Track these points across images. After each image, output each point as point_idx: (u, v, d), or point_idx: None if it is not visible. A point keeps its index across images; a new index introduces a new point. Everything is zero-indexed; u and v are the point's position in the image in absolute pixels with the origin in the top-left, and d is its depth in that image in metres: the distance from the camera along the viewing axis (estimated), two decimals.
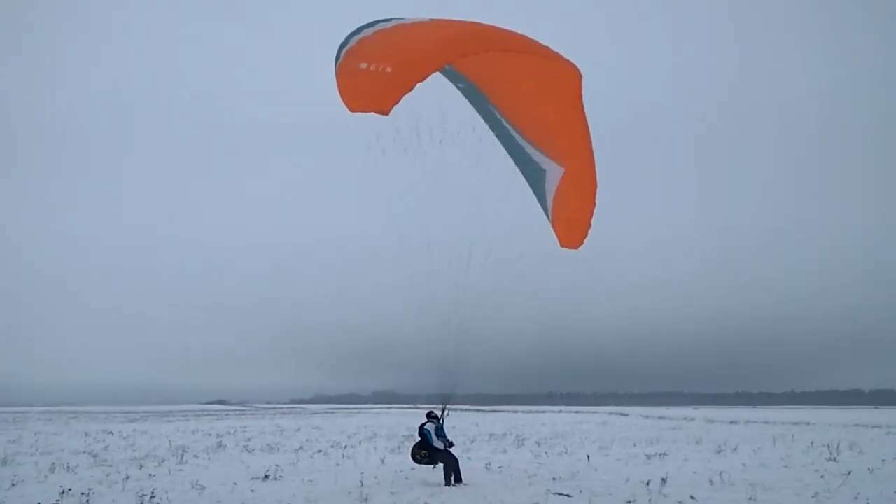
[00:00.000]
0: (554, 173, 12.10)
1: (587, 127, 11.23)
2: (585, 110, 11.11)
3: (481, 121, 12.15)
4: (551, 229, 12.97)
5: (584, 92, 11.05)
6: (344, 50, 9.85)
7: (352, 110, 9.23)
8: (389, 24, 10.22)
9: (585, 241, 12.72)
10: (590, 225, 12.37)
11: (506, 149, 12.42)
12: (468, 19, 10.48)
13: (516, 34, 10.47)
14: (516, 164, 12.52)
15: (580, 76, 10.86)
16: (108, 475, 15.68)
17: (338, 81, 9.51)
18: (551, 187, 12.34)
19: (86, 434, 34.00)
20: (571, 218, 12.45)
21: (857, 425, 41.63)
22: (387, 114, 9.06)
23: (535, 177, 12.53)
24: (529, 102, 11.35)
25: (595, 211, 12.23)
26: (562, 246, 12.99)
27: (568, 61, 10.72)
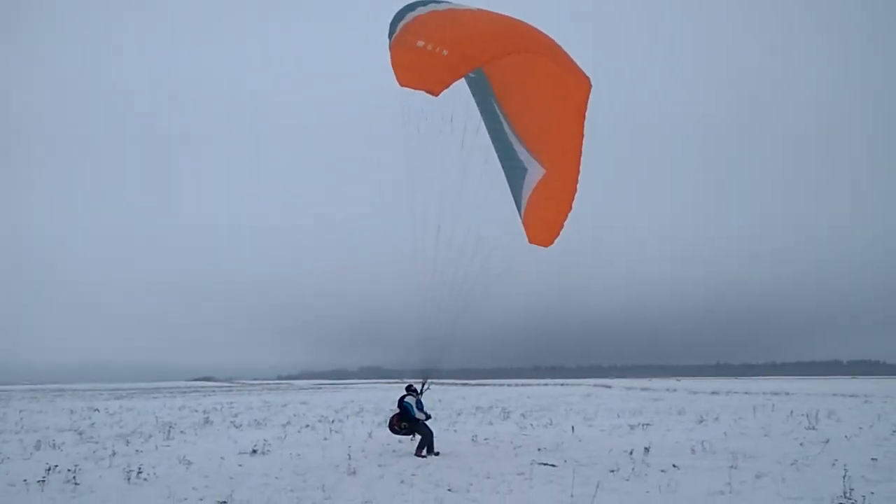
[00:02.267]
0: (534, 174, 12.46)
1: (581, 137, 11.47)
2: (586, 120, 11.38)
3: (476, 111, 12.36)
4: (521, 225, 13.32)
5: (594, 96, 11.27)
6: (400, 24, 10.06)
7: (402, 84, 9.43)
8: (442, 7, 10.52)
9: (556, 240, 13.14)
10: (562, 226, 12.78)
11: (493, 142, 12.77)
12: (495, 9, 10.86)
13: (544, 35, 10.83)
14: (500, 158, 12.87)
15: (589, 87, 11.18)
16: (94, 452, 15.66)
17: (392, 53, 9.70)
18: (529, 186, 12.71)
19: (71, 411, 33.91)
20: (546, 218, 12.82)
21: (835, 395, 42.47)
22: (437, 95, 9.39)
23: (514, 174, 12.87)
24: (532, 103, 11.67)
25: (570, 214, 12.61)
26: (531, 242, 13.37)
27: (581, 71, 11.07)
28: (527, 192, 12.80)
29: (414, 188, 11.80)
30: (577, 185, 12.11)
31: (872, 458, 12.76)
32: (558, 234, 12.95)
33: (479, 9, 10.82)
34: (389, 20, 10.46)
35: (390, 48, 9.83)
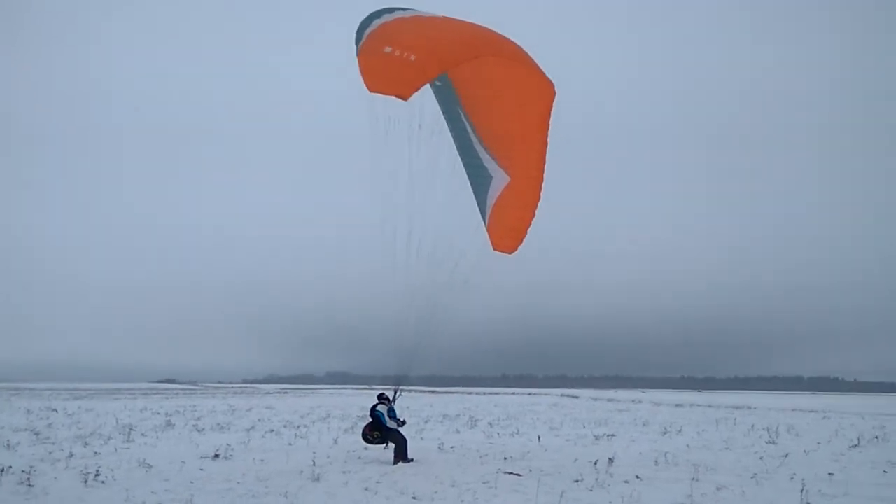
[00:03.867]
0: (499, 181, 12.57)
1: (545, 143, 11.64)
2: (550, 126, 11.54)
3: (442, 119, 12.45)
4: (485, 232, 13.40)
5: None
6: (366, 31, 10.13)
7: (371, 90, 9.55)
8: (408, 14, 10.66)
9: (519, 247, 13.24)
10: (526, 233, 12.91)
11: (459, 150, 12.85)
12: (472, 17, 11.10)
13: (510, 41, 10.97)
14: (465, 165, 12.94)
15: (554, 93, 11.33)
16: (50, 453, 15.25)
17: (360, 60, 9.78)
18: (494, 193, 12.81)
19: (28, 411, 32.98)
20: (510, 225, 12.94)
21: (795, 410, 43.41)
22: (406, 99, 9.54)
23: (479, 181, 12.97)
24: (497, 111, 11.77)
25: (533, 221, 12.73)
26: (495, 249, 13.48)
27: (546, 77, 11.20)
28: (492, 200, 12.88)
29: (382, 195, 11.83)
30: (541, 193, 12.23)
31: (829, 473, 13.05)
32: (522, 241, 13.04)
33: (444, 16, 10.94)
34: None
35: (357, 55, 9.88)
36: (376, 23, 10.26)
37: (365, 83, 9.55)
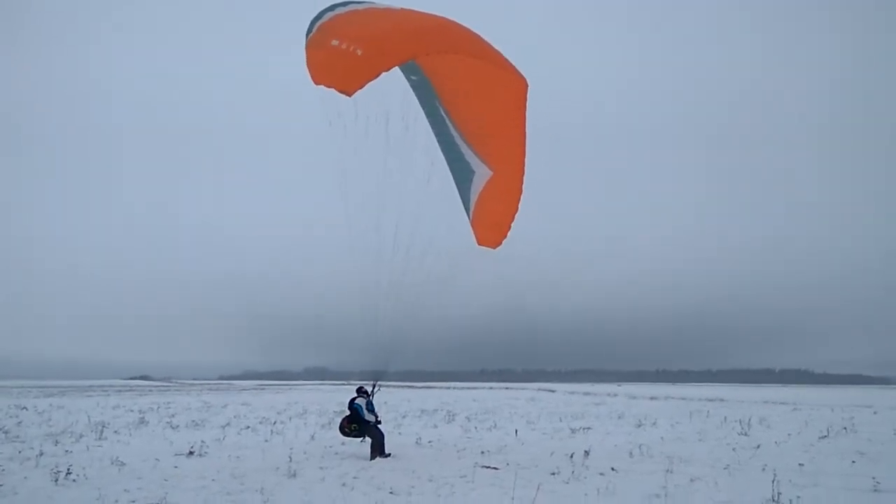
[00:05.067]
0: (482, 176, 12.57)
1: (524, 136, 11.65)
2: (527, 120, 11.53)
3: (423, 115, 12.40)
4: (470, 227, 13.43)
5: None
6: (317, 24, 9.91)
7: (316, 83, 9.28)
8: (362, 6, 10.40)
9: (504, 241, 13.28)
10: (510, 227, 12.93)
11: (440, 146, 12.82)
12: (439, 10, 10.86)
13: (476, 36, 10.80)
14: (447, 161, 12.92)
15: (526, 86, 11.31)
16: (20, 451, 14.93)
17: (307, 53, 9.55)
18: (477, 188, 12.82)
19: None
20: (494, 220, 12.97)
21: (766, 402, 44.16)
22: (350, 95, 9.27)
23: (462, 176, 12.96)
24: (474, 105, 11.71)
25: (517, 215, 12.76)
26: (479, 244, 13.51)
27: (517, 72, 11.18)
28: (475, 195, 12.91)
29: (352, 191, 11.65)
30: (523, 186, 12.27)
31: (800, 464, 13.29)
32: (506, 235, 13.08)
33: (403, 8, 10.63)
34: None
35: (306, 48, 9.65)
36: (328, 15, 10.05)
37: (310, 76, 9.31)
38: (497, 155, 12.17)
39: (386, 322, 12.90)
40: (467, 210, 13.29)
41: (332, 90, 9.20)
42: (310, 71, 9.35)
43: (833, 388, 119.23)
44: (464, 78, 11.10)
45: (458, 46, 10.42)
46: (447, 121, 12.28)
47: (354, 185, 11.47)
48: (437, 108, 12.18)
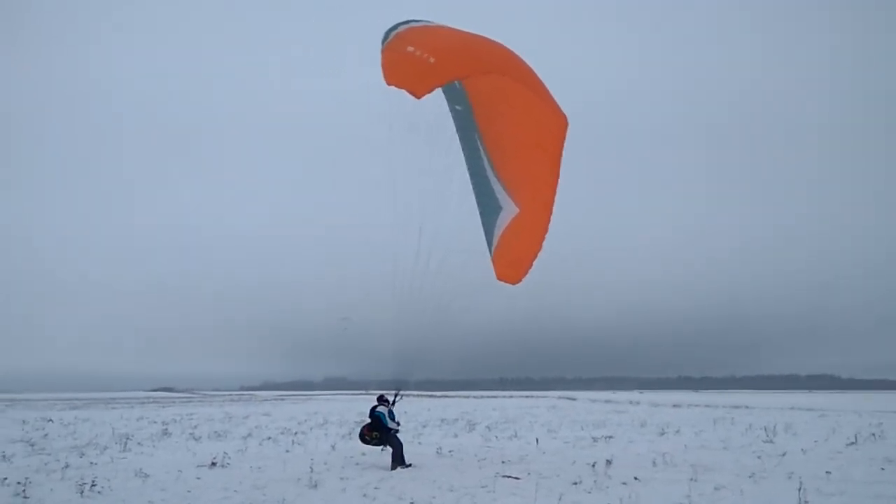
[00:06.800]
0: (508, 212, 12.76)
1: (556, 176, 11.87)
2: (562, 158, 11.79)
3: (457, 143, 12.83)
4: (490, 261, 13.49)
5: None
6: (393, 33, 10.87)
7: (388, 83, 10.14)
8: (433, 24, 11.50)
9: (524, 278, 13.36)
10: (531, 265, 13.05)
11: (472, 177, 13.03)
12: (479, 23, 11.56)
13: (526, 65, 11.59)
14: (476, 194, 13.15)
15: (566, 125, 11.68)
16: (46, 464, 15.15)
17: (383, 56, 10.44)
18: (502, 224, 12.97)
19: (24, 422, 32.75)
20: (516, 257, 13.09)
21: (792, 408, 43.46)
22: (419, 97, 10.08)
23: (488, 209, 13.13)
24: (512, 142, 12.06)
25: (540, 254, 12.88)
26: (499, 279, 13.54)
27: (559, 109, 11.62)
28: (499, 230, 13.01)
29: (394, 200, 11.94)
30: (549, 226, 12.37)
31: (827, 472, 13.06)
32: (527, 272, 13.15)
33: (468, 31, 11.53)
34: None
35: (382, 52, 10.48)
36: (404, 27, 11.00)
37: (384, 76, 10.12)
38: (527, 194, 12.35)
39: (410, 332, 12.90)
40: (489, 243, 13.38)
41: (403, 91, 10.00)
42: (384, 71, 10.19)
43: (861, 393, 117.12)
44: (508, 110, 11.54)
45: (513, 72, 11.22)
46: (482, 154, 12.61)
47: (393, 192, 11.81)
48: (475, 139, 12.54)
